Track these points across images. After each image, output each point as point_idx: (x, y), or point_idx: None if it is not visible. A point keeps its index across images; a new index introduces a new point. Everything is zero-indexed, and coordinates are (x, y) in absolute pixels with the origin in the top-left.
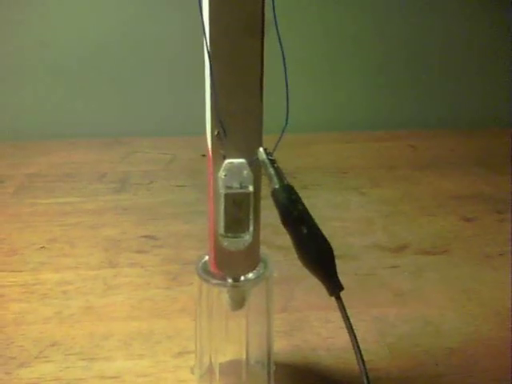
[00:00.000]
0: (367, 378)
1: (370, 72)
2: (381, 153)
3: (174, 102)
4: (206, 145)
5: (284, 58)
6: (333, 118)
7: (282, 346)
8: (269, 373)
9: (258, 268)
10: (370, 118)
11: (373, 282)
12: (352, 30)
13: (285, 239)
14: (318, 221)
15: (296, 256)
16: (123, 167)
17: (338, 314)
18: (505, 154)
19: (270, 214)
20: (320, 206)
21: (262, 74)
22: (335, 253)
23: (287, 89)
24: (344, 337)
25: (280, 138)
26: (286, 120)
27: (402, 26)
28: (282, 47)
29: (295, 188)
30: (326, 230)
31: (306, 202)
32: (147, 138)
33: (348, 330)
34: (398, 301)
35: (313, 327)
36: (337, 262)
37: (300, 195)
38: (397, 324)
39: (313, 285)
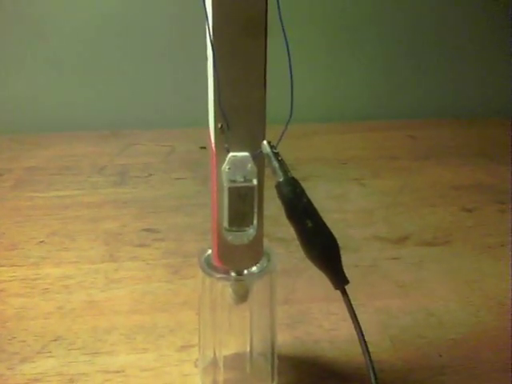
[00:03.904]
0: (374, 372)
1: (369, 62)
2: (380, 143)
3: (173, 94)
4: (209, 138)
5: (289, 51)
6: (332, 109)
7: (285, 339)
8: (272, 365)
9: (261, 261)
10: (370, 108)
11: (374, 274)
12: (350, 20)
13: (285, 231)
14: None
15: (297, 248)
16: (122, 160)
17: (340, 306)
18: (505, 143)
19: (270, 207)
20: (320, 198)
21: (265, 67)
22: None
23: (292, 82)
24: (347, 329)
25: (284, 131)
26: (291, 113)
27: (401, 15)
28: (286, 40)
29: None
30: (327, 221)
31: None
32: (145, 131)
33: (354, 323)
34: (401, 292)
35: (315, 319)
36: None
37: None
38: (399, 316)
39: (314, 277)
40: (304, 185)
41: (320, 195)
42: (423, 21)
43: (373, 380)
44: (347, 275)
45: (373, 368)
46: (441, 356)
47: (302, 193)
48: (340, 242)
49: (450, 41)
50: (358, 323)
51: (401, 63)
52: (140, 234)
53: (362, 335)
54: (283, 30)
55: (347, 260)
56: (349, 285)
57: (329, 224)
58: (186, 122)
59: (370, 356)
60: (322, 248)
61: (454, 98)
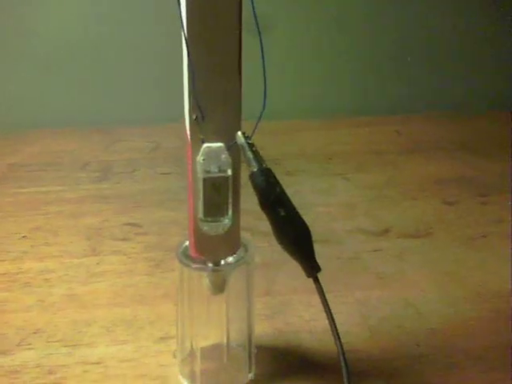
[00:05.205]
0: (344, 358)
1: (355, 57)
2: (366, 138)
3: (157, 90)
4: (185, 130)
5: (261, 43)
6: (318, 105)
7: (264, 329)
8: (250, 356)
9: (238, 252)
10: (355, 104)
11: (356, 266)
12: (337, 14)
13: (268, 225)
14: (302, 207)
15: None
16: (106, 156)
17: None
18: (488, 137)
19: (253, 200)
20: (304, 192)
21: (240, 58)
22: (319, 238)
23: (264, 73)
24: (326, 319)
25: (258, 120)
26: (264, 105)
27: (389, 12)
28: (259, 30)
29: (280, 174)
30: (311, 215)
31: (290, 188)
32: (130, 127)
33: (326, 310)
34: (381, 283)
35: (295, 310)
36: (321, 246)
37: (285, 182)
38: (379, 306)
39: (296, 269)
40: (289, 180)
41: (304, 190)
42: (410, 17)
43: (343, 364)
44: (329, 267)
45: (343, 354)
46: (418, 345)
47: (275, 182)
48: (323, 235)
49: (435, 37)
50: (330, 310)
51: (386, 58)
52: (122, 228)
53: (333, 322)
54: (257, 23)
55: (329, 252)
56: (330, 276)
57: (312, 217)
58: (171, 117)
59: (340, 342)
60: (294, 236)
61: (439, 93)
